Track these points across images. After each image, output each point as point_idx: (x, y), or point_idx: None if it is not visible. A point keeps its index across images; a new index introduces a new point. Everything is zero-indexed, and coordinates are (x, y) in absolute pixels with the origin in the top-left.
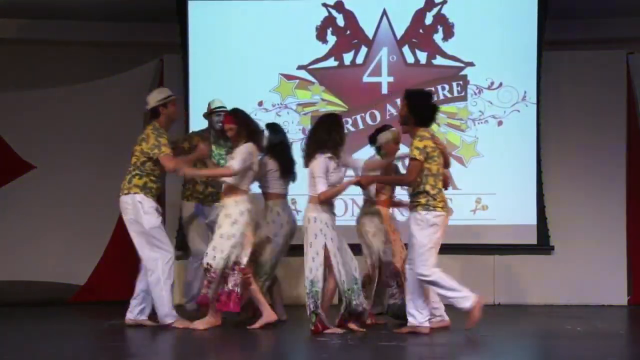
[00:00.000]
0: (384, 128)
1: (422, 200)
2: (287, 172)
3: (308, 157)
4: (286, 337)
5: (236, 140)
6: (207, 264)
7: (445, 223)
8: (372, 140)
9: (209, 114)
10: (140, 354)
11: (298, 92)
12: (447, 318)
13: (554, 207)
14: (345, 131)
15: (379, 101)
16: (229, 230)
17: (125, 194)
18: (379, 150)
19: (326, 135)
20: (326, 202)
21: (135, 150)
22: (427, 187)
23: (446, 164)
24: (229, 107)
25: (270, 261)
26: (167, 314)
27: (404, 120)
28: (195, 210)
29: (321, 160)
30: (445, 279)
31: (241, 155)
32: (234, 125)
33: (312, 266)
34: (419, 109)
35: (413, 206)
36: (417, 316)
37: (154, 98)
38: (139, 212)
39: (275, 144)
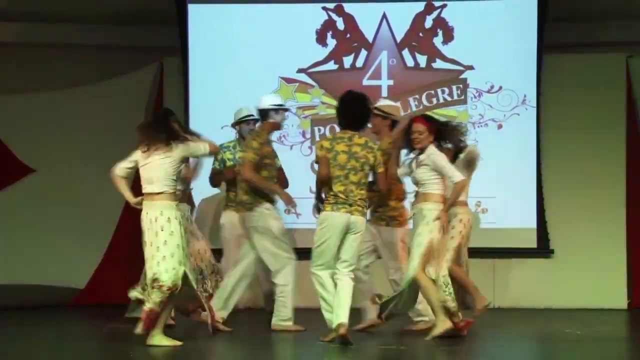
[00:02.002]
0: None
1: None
2: None
3: None
4: (287, 338)
5: None
6: None
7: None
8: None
9: (238, 123)
10: (141, 357)
11: (298, 96)
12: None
13: (554, 211)
14: None
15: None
16: None
17: None
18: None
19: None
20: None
21: None
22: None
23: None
24: (229, 110)
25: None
26: None
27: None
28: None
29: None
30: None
31: None
32: None
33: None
34: (342, 110)
35: None
36: None
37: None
38: None
39: None
